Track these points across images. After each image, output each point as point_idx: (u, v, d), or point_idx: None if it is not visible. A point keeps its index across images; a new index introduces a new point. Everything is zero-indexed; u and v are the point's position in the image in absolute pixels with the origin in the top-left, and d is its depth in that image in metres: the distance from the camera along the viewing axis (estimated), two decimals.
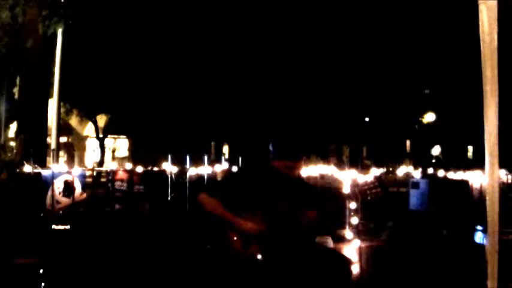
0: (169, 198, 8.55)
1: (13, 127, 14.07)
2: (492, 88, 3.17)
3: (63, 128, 21.83)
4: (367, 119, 31.17)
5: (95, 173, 8.24)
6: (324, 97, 24.64)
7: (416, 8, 23.26)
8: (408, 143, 34.86)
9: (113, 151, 30.43)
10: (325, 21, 22.75)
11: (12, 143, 12.56)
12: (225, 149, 30.65)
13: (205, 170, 8.37)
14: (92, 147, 29.13)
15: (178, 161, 8.66)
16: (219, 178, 8.54)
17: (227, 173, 8.47)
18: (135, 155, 25.50)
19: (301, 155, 3.73)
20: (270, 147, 3.70)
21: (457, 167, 9.94)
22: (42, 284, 5.29)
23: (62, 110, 18.47)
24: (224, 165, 9.35)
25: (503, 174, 9.59)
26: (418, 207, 8.29)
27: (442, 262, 6.53)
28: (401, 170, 8.98)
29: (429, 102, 30.60)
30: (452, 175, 9.45)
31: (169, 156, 8.37)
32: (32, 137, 11.63)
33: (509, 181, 10.09)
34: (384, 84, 25.86)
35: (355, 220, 7.24)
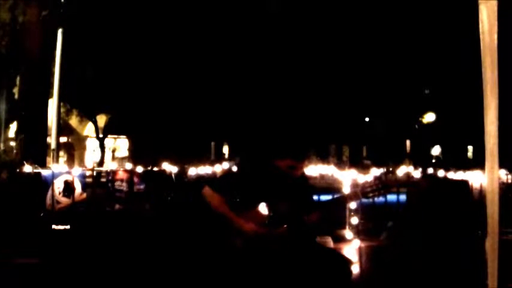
0: (169, 198, 8.54)
1: (13, 127, 14.07)
2: (492, 88, 3.17)
3: (63, 128, 21.84)
4: (367, 119, 31.20)
5: (95, 173, 8.22)
6: (324, 97, 24.66)
7: (416, 8, 23.27)
8: (408, 143, 34.85)
9: (113, 151, 30.44)
10: (326, 21, 22.76)
11: (12, 143, 12.56)
12: (225, 149, 30.67)
13: (205, 170, 8.37)
14: (92, 147, 29.14)
15: (178, 161, 8.66)
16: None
17: (228, 170, 8.47)
18: (135, 155, 25.51)
19: (305, 154, 3.71)
20: (272, 146, 3.68)
21: (457, 167, 9.92)
22: (42, 284, 5.28)
23: (62, 110, 18.47)
24: (224, 165, 9.35)
25: (503, 174, 9.58)
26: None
27: (442, 262, 6.53)
28: (401, 170, 8.96)
29: (429, 102, 30.62)
30: (452, 175, 9.44)
31: (169, 156, 8.38)
32: (32, 137, 11.62)
33: (509, 181, 10.08)
34: (384, 85, 25.89)
35: (355, 220, 7.24)
